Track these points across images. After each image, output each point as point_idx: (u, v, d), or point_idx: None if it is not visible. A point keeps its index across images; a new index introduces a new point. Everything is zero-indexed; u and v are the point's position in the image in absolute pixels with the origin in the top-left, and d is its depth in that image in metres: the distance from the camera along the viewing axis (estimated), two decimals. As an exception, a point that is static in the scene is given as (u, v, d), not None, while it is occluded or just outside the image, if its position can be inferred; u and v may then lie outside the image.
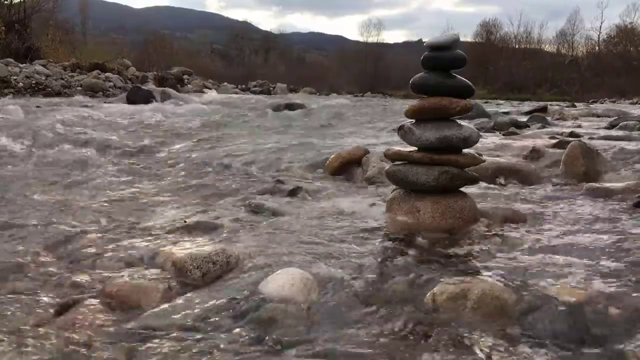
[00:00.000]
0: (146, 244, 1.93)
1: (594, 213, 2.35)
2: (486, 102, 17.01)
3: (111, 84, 15.60)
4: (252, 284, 1.53)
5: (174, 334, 1.28)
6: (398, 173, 2.30)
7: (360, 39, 55.37)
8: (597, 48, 45.36)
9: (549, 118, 8.38)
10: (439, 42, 2.26)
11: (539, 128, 6.46)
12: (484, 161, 2.51)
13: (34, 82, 13.75)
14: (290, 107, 10.72)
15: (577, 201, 2.62)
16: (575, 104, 19.04)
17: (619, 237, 1.97)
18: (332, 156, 3.73)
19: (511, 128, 6.25)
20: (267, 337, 1.27)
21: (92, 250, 1.88)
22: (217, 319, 1.36)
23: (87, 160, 4.05)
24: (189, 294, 1.52)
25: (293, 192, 2.87)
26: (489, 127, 6.62)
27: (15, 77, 13.67)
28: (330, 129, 7.00)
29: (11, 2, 22.64)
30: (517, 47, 47.31)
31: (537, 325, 1.31)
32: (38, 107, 9.05)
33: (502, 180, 3.08)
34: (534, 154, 3.67)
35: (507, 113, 10.14)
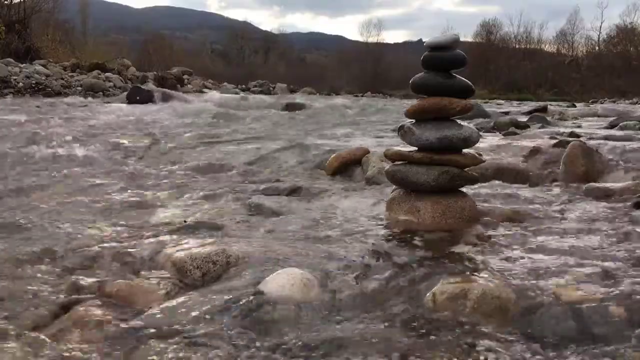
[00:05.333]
0: (146, 244, 1.93)
1: (594, 213, 2.35)
2: (486, 102, 17.02)
3: (111, 84, 15.61)
4: (252, 284, 1.53)
5: (174, 334, 1.28)
6: (398, 173, 2.30)
7: (361, 39, 55.41)
8: (597, 48, 45.39)
9: (549, 118, 8.39)
10: (439, 42, 2.26)
11: (539, 128, 6.46)
12: (484, 161, 2.51)
13: (34, 82, 13.75)
14: (290, 107, 10.73)
15: (577, 201, 2.62)
16: (575, 104, 19.05)
17: (619, 237, 1.97)
18: (332, 156, 3.73)
19: (511, 128, 6.25)
20: (267, 337, 1.27)
21: (92, 250, 1.88)
22: (217, 319, 1.35)
23: (86, 160, 4.05)
24: (189, 294, 1.52)
25: (293, 192, 2.87)
26: (489, 127, 6.62)
27: (15, 77, 13.68)
28: (330, 128, 6.99)
29: (11, 2, 22.64)
30: (517, 47, 47.32)
31: (538, 325, 1.31)
32: (38, 107, 9.05)
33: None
34: (534, 154, 3.67)
35: (507, 113, 10.15)
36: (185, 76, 21.70)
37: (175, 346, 1.23)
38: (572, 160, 3.22)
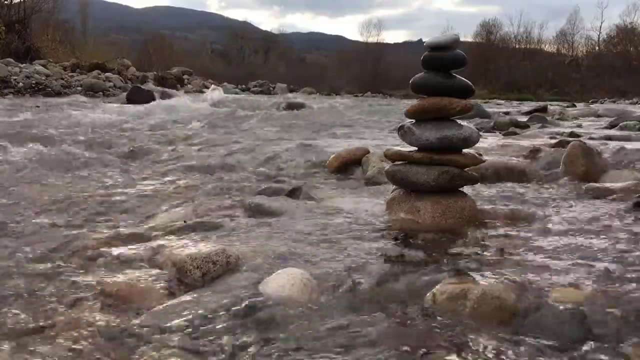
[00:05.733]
0: (146, 244, 1.93)
1: (594, 213, 2.35)
2: (486, 102, 17.03)
3: (111, 84, 15.61)
4: (252, 284, 1.53)
5: (174, 334, 1.28)
6: (398, 173, 2.30)
7: (361, 39, 55.42)
8: (597, 48, 45.40)
9: (549, 118, 8.40)
10: (439, 42, 2.26)
11: (539, 128, 6.48)
12: (484, 161, 2.51)
13: (34, 82, 13.75)
14: (290, 107, 10.73)
15: (577, 201, 2.62)
16: (575, 104, 19.05)
17: (619, 237, 1.97)
18: (332, 156, 3.73)
19: (511, 128, 6.26)
20: (267, 337, 1.27)
21: (92, 250, 1.88)
22: (217, 319, 1.35)
23: (86, 161, 4.04)
24: (188, 294, 1.52)
25: (293, 192, 2.87)
26: (489, 127, 6.63)
27: (15, 77, 13.68)
28: (330, 128, 6.99)
29: (11, 2, 22.64)
30: (517, 47, 47.33)
31: (538, 325, 1.31)
32: (37, 107, 9.05)
33: None
34: (534, 153, 3.67)
35: (507, 113, 10.16)
36: (185, 76, 21.70)
37: (175, 346, 1.23)
38: (572, 160, 3.22)
